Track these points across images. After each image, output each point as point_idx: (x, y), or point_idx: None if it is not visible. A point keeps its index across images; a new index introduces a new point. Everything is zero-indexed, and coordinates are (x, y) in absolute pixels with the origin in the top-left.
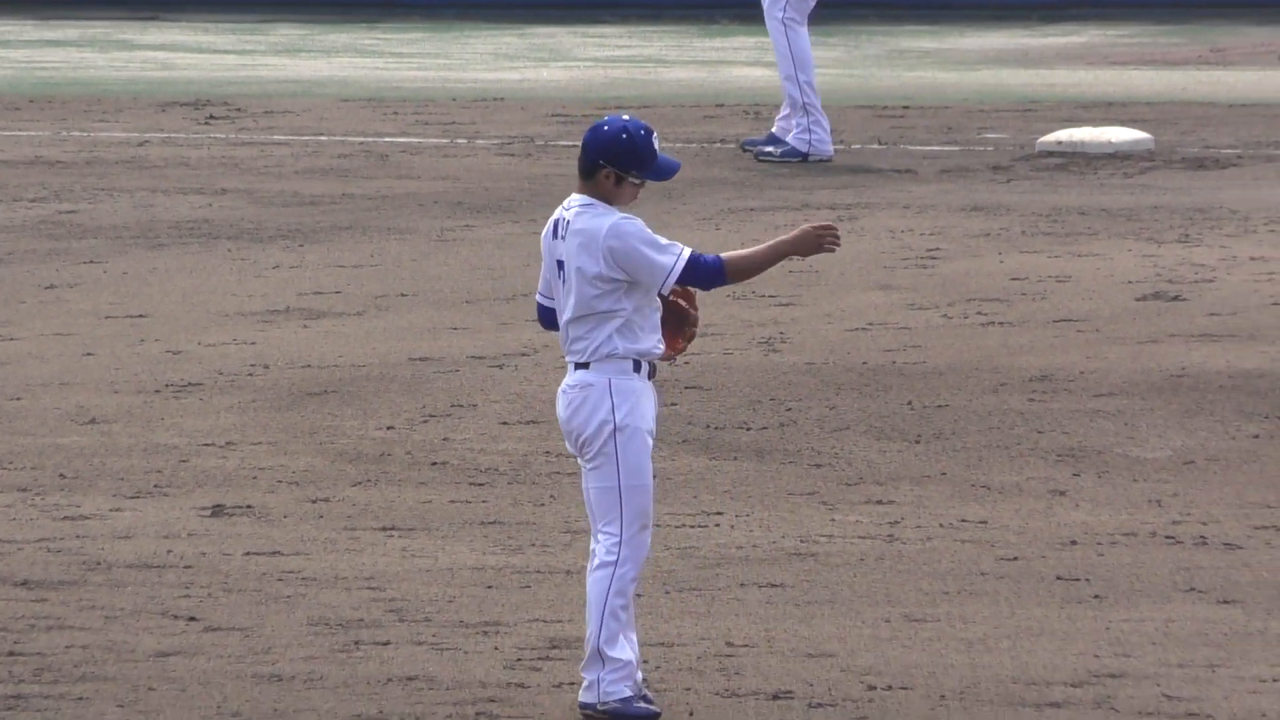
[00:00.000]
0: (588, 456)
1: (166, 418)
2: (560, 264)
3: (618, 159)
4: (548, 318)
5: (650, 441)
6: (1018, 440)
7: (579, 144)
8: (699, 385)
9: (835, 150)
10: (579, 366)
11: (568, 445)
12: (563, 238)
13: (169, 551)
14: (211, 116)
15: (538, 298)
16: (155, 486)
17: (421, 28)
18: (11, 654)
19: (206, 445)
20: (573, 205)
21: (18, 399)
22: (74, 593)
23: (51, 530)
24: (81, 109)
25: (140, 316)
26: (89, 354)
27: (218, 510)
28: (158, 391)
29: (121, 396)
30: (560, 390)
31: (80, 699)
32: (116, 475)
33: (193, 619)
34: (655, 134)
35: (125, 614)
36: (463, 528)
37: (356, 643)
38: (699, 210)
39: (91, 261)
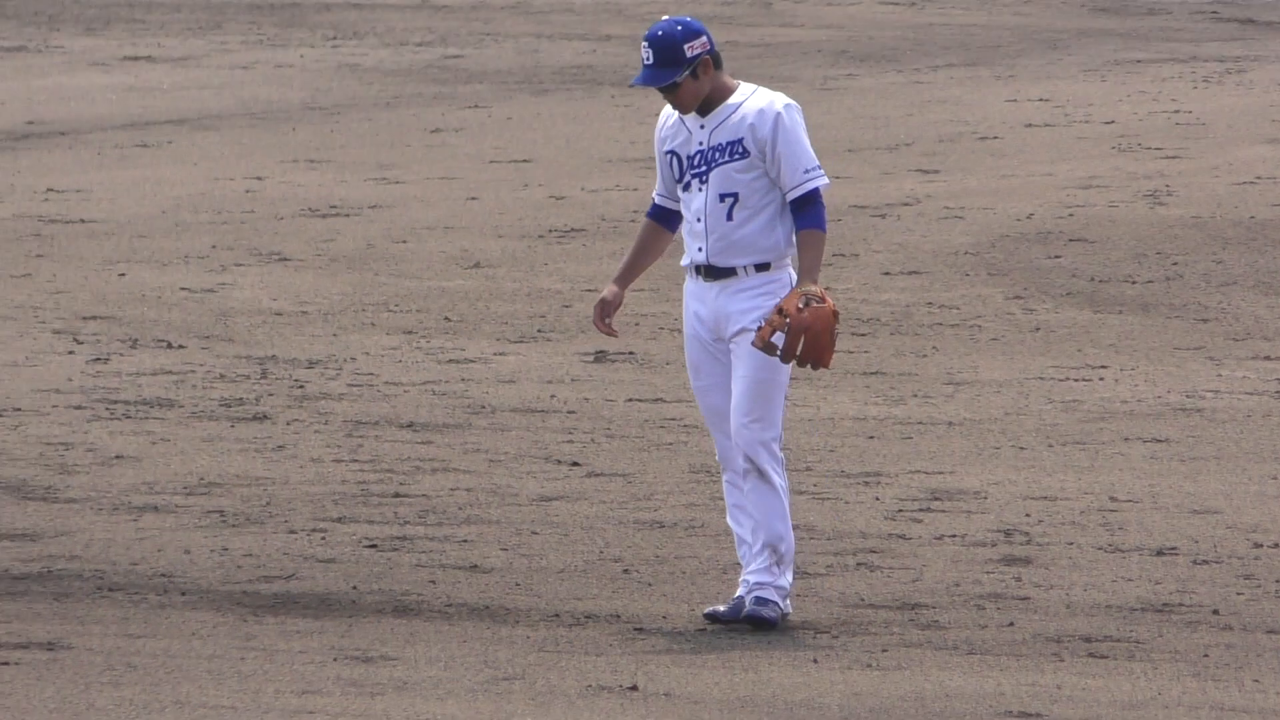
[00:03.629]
0: None
1: (550, 262)
2: None
3: None
4: None
5: (689, 341)
6: None
7: None
8: (1083, 238)
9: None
10: None
11: None
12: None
13: (552, 396)
14: None
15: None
16: (539, 331)
17: None
18: (397, 495)
19: (589, 290)
20: None
21: (403, 242)
22: (458, 436)
23: (437, 373)
24: None
25: (524, 161)
26: (473, 198)
27: (600, 356)
28: (541, 236)
29: (505, 241)
30: None
31: (464, 541)
32: (500, 319)
33: (575, 464)
34: (645, 43)
35: (509, 458)
36: (844, 378)
37: None
38: (1085, 61)
39: (476, 106)
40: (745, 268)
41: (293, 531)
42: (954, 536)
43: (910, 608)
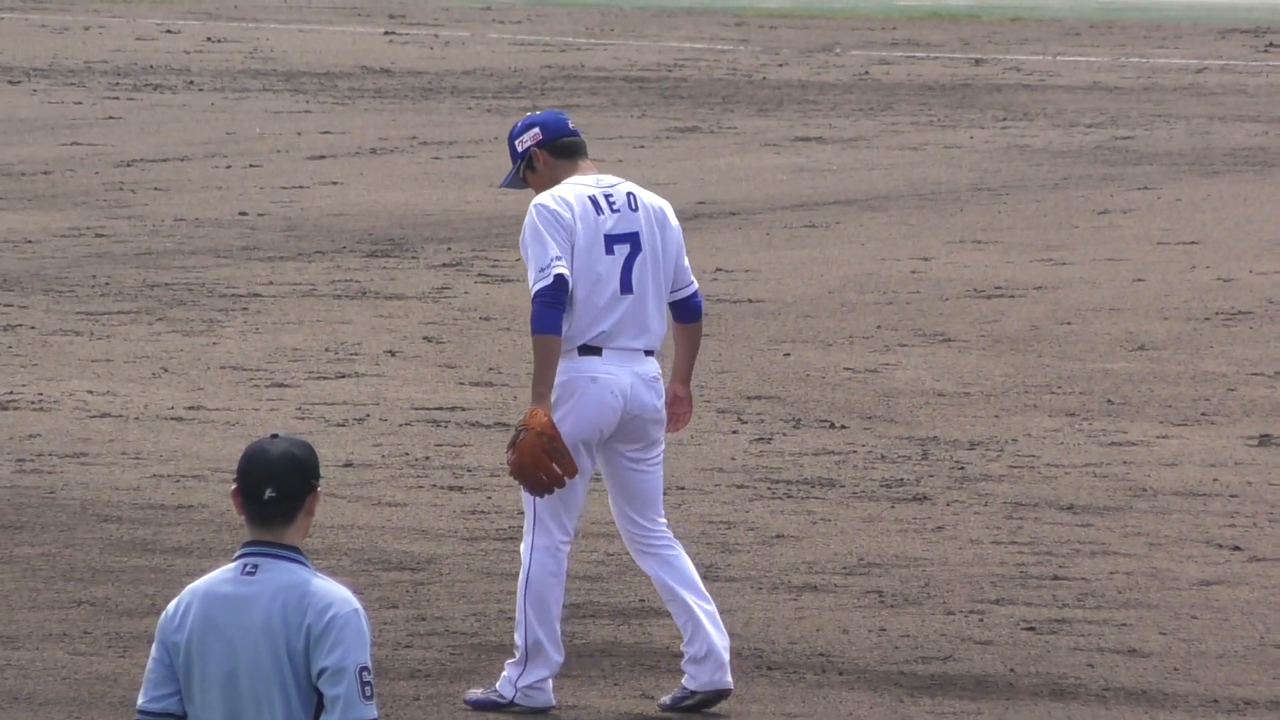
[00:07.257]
0: (646, 445)
1: (1215, 345)
2: (620, 239)
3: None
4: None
5: None
6: None
7: None
8: None
9: None
10: (649, 354)
11: (603, 435)
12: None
13: (1214, 480)
14: (1271, 44)
15: (566, 273)
16: (1202, 414)
17: None
18: (1056, 578)
19: (1255, 374)
20: (616, 182)
21: (1068, 324)
22: (1118, 519)
23: (1098, 455)
24: (1140, 35)
25: (1191, 243)
26: (1139, 280)
27: (1265, 440)
28: (1207, 319)
29: (1170, 323)
30: (634, 380)
31: (1122, 625)
32: (1163, 402)
33: (1236, 548)
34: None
35: (1169, 541)
36: None
37: None
38: None
39: (1145, 188)
40: None
41: (950, 613)
42: None
43: None
